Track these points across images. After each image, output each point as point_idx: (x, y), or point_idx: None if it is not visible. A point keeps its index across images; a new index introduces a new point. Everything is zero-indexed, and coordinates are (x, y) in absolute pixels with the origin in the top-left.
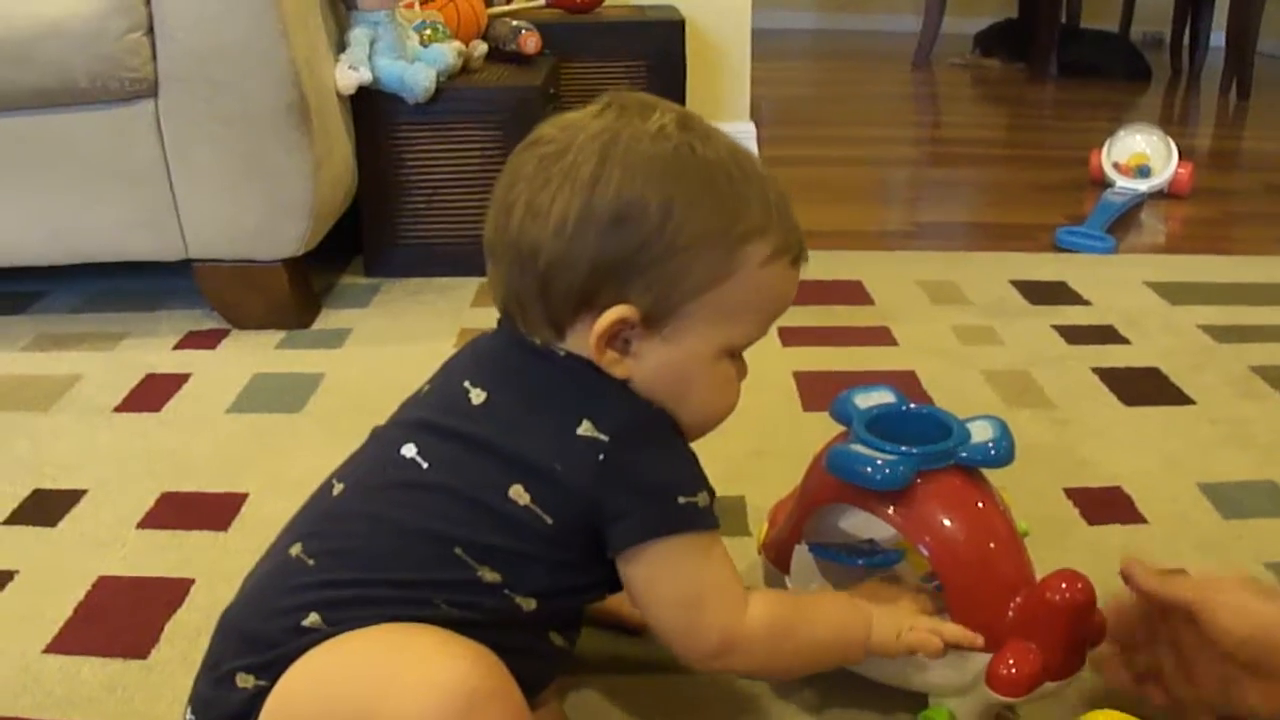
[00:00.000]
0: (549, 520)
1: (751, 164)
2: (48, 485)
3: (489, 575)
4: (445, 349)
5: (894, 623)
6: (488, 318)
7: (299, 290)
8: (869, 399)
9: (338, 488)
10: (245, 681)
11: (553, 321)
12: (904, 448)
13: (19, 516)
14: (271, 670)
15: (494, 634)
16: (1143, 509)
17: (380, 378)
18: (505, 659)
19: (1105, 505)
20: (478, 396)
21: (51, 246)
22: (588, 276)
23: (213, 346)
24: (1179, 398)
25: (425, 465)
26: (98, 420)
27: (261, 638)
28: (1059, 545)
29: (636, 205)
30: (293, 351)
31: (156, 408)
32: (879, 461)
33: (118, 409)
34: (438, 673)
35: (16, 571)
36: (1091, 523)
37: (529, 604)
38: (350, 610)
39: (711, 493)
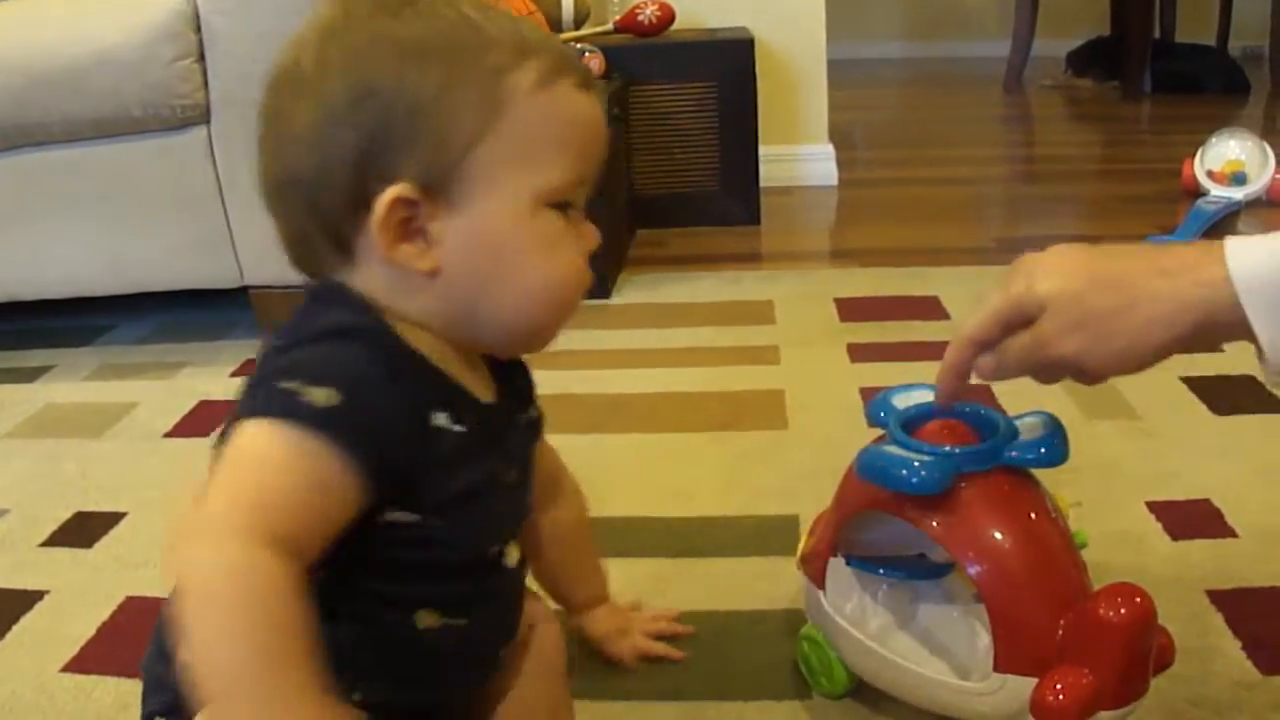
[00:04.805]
0: None
1: (492, 8)
2: (90, 508)
3: None
4: None
5: None
6: None
7: None
8: (909, 399)
9: None
10: None
11: (338, 242)
12: (944, 447)
13: (57, 538)
14: (181, 711)
15: (340, 628)
16: (1232, 522)
17: None
18: (376, 665)
19: (1191, 519)
20: None
21: (109, 276)
22: (350, 173)
23: None
24: (1275, 405)
25: None
26: (147, 446)
27: (165, 680)
28: (1135, 562)
29: (368, 78)
30: None
31: (205, 433)
32: (914, 463)
33: (168, 434)
34: None
35: (47, 592)
36: (1175, 538)
37: (325, 571)
38: None
39: (350, 396)
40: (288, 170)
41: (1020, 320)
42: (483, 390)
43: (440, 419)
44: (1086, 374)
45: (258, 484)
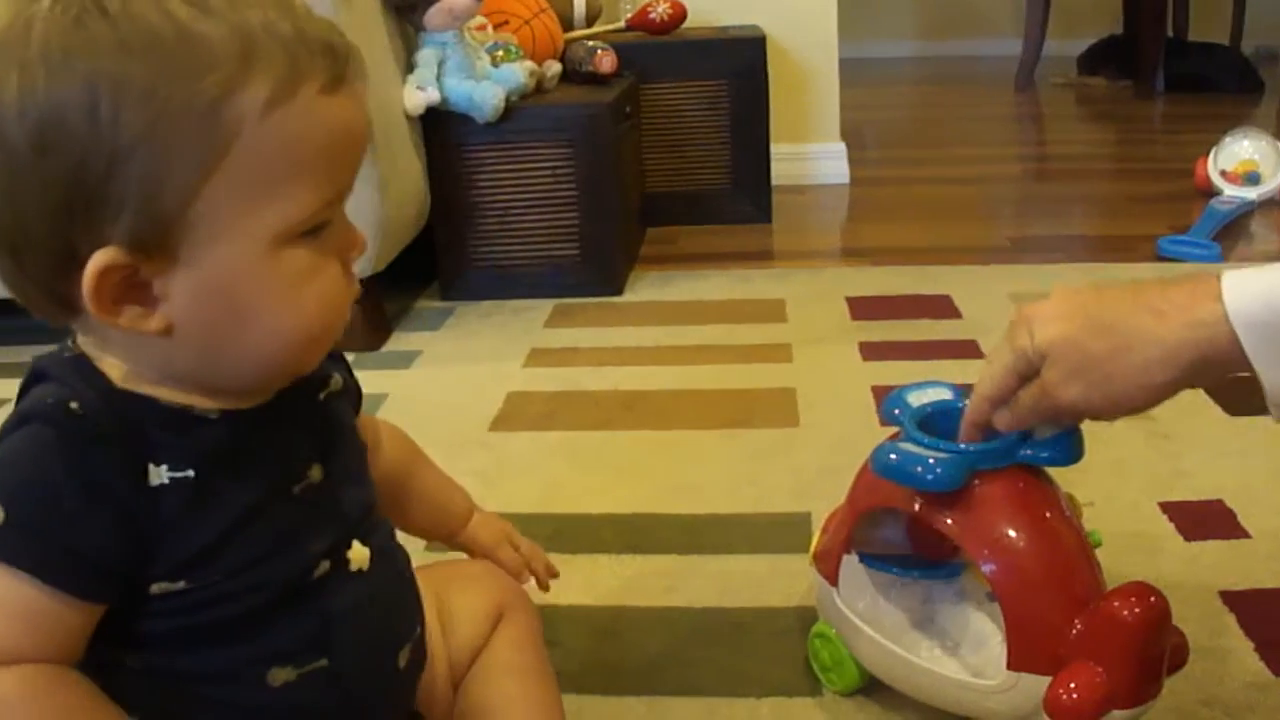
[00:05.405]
0: None
1: (205, 2)
2: None
3: None
4: (512, 370)
5: None
6: (559, 338)
7: (368, 312)
8: (923, 396)
9: None
10: None
11: (61, 301)
12: (959, 445)
13: None
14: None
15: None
16: (1246, 523)
17: (444, 398)
18: None
19: (1204, 519)
20: None
21: None
22: (50, 232)
23: None
24: None
25: None
26: None
27: None
28: (1148, 563)
29: (52, 116)
30: (359, 373)
31: None
32: (930, 460)
33: None
34: None
35: None
36: (1188, 538)
37: (134, 659)
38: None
39: (23, 513)
40: None
41: (1030, 371)
42: (256, 391)
43: (160, 475)
44: (1095, 417)
45: None
